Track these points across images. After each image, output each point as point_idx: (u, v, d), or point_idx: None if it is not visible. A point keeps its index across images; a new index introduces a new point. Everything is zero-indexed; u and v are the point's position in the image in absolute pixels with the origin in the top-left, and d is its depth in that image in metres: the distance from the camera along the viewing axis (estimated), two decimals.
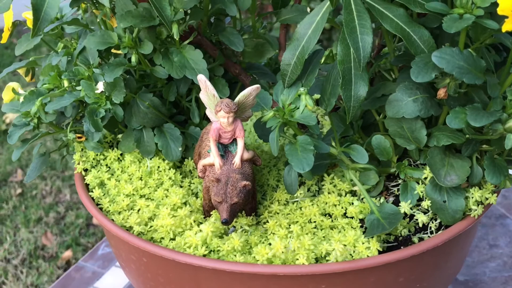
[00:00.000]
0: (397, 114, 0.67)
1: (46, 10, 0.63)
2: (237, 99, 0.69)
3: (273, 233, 0.69)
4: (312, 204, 0.74)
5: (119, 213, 0.76)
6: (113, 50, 0.81)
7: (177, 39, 0.75)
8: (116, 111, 0.77)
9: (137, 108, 0.80)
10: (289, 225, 0.71)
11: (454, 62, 0.60)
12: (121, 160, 0.86)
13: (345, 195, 0.74)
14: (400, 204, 0.70)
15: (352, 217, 0.72)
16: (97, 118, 0.76)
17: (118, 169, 0.84)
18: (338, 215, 0.72)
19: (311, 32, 0.66)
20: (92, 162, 0.86)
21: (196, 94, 0.87)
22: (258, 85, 0.68)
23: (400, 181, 0.76)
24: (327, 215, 0.73)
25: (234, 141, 0.72)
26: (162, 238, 0.71)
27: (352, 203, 0.73)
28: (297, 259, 0.63)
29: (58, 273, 1.74)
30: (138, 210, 0.76)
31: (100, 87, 0.76)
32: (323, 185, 0.77)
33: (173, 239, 0.71)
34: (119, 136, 0.87)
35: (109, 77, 0.74)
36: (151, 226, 0.72)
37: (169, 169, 0.83)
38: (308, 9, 0.93)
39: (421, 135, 0.68)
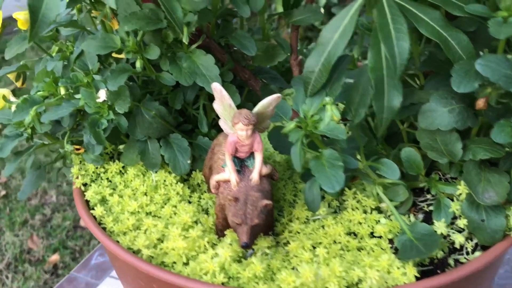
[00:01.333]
0: (431, 126, 0.61)
1: (44, 12, 0.56)
2: (256, 109, 0.63)
3: (296, 256, 0.63)
4: (335, 223, 0.68)
5: (124, 233, 0.70)
6: (114, 55, 0.75)
7: (186, 43, 0.69)
8: (119, 122, 0.71)
9: (142, 118, 0.74)
10: (314, 247, 0.65)
11: (500, 71, 0.54)
12: (123, 174, 0.79)
13: (371, 212, 0.69)
14: (434, 223, 0.64)
15: (380, 237, 0.66)
16: (99, 129, 0.69)
17: (120, 183, 0.78)
18: (365, 235, 0.66)
19: (338, 37, 0.60)
20: (92, 176, 0.79)
21: (204, 101, 0.81)
22: (279, 95, 0.62)
23: (428, 196, 0.70)
24: (352, 234, 0.68)
25: (251, 154, 0.65)
26: (174, 262, 0.64)
27: (379, 221, 0.68)
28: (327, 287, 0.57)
29: (45, 278, 1.66)
30: (145, 231, 0.69)
31: (102, 95, 0.69)
32: (344, 200, 0.71)
33: (187, 263, 0.64)
34: (121, 147, 0.81)
35: (113, 85, 0.67)
36: (161, 249, 0.66)
37: (176, 183, 0.76)
38: (322, 10, 0.87)
39: (456, 148, 0.62)
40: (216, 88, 0.62)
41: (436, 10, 0.59)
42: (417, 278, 0.58)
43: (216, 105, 0.65)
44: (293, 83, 0.77)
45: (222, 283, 0.60)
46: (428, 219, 0.68)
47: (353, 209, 0.69)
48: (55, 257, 1.77)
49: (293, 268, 0.62)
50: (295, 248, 0.64)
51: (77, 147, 0.78)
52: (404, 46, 0.55)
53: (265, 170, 0.65)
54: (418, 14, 0.58)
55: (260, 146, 0.64)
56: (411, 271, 0.58)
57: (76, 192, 0.76)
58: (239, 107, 0.64)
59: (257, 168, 0.64)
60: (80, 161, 0.80)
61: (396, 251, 0.63)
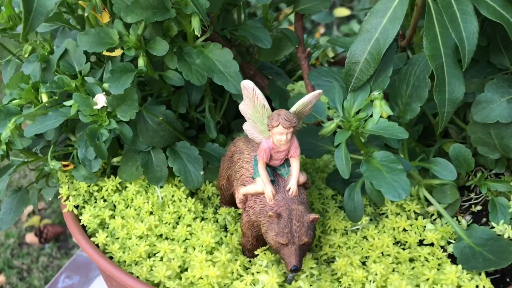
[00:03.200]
0: (488, 119, 0.55)
1: (40, 0, 0.45)
2: (293, 109, 0.54)
3: (346, 275, 0.55)
4: (378, 232, 0.61)
5: (137, 263, 0.59)
6: (105, 53, 0.63)
7: (198, 35, 0.59)
8: (122, 131, 0.60)
9: (145, 125, 0.63)
10: (363, 263, 0.57)
11: None
12: (121, 191, 0.68)
13: (416, 218, 0.62)
14: (490, 225, 0.58)
15: (431, 244, 0.59)
16: (99, 141, 0.58)
17: (119, 202, 0.66)
18: (413, 243, 0.59)
19: (386, 21, 0.52)
20: (84, 196, 0.67)
21: (210, 102, 0.71)
22: (320, 91, 0.54)
23: (472, 195, 0.64)
24: (398, 244, 0.60)
25: (285, 162, 0.57)
26: None
27: (424, 227, 0.61)
28: None
29: None
30: (162, 258, 0.59)
31: (101, 101, 0.58)
32: (379, 207, 0.64)
33: None
34: (115, 160, 0.69)
35: (117, 87, 0.56)
36: (186, 278, 0.56)
37: (186, 198, 0.66)
38: None
39: None
40: (249, 86, 0.53)
41: None
42: None
43: (245, 106, 0.55)
44: (311, 78, 0.69)
45: None
46: (476, 220, 0.61)
47: (395, 215, 0.62)
48: (0, 279, 1.60)
49: None
50: (343, 265, 0.56)
51: (65, 163, 0.66)
52: (472, 29, 0.48)
53: (302, 178, 0.57)
54: None
55: (298, 151, 0.55)
56: (486, 283, 0.51)
57: (69, 217, 0.65)
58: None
59: (295, 176, 0.55)
60: (68, 180, 0.68)
61: (452, 260, 0.57)
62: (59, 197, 0.67)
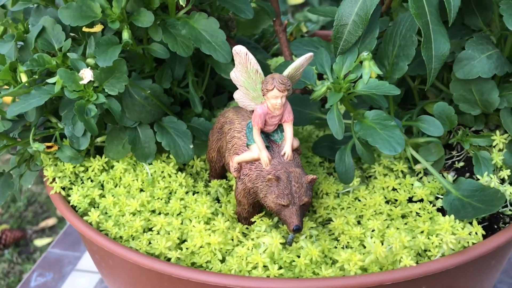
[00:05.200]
0: (470, 75, 0.57)
1: None
2: (286, 72, 0.55)
3: (344, 233, 0.57)
4: (369, 192, 0.62)
5: (134, 238, 0.58)
6: (84, 29, 0.62)
7: (183, 5, 0.59)
8: (111, 106, 0.59)
9: (131, 100, 0.62)
10: (358, 222, 0.59)
11: None
12: (108, 170, 0.67)
13: (404, 177, 0.64)
14: (476, 178, 0.61)
15: (420, 201, 0.62)
16: (88, 117, 0.57)
17: (108, 182, 0.65)
18: (403, 201, 0.61)
19: None
20: (70, 178, 0.66)
21: (192, 77, 0.70)
22: (311, 53, 0.54)
23: (453, 153, 0.67)
24: (389, 202, 0.62)
25: (278, 127, 0.57)
26: (209, 261, 0.55)
27: (412, 185, 0.63)
28: (399, 260, 0.51)
29: None
30: (159, 231, 0.59)
31: (87, 75, 0.57)
32: (366, 168, 0.66)
33: (222, 260, 0.55)
34: (99, 139, 0.68)
35: (105, 60, 0.55)
36: (186, 248, 0.56)
37: (176, 173, 0.66)
38: None
39: (493, 97, 0.59)
40: (241, 51, 0.53)
41: None
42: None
43: (237, 73, 0.55)
44: (293, 48, 0.70)
45: (281, 275, 0.51)
46: (460, 176, 0.64)
47: (383, 176, 0.64)
48: None
49: (345, 247, 0.56)
50: (340, 224, 0.57)
51: (49, 144, 0.64)
52: None
53: (296, 143, 0.57)
54: None
55: (291, 116, 0.56)
56: (478, 229, 0.54)
57: (57, 198, 0.63)
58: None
59: (289, 141, 0.56)
60: (52, 162, 0.66)
61: (442, 213, 0.59)
62: (44, 179, 0.65)
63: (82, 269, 1.09)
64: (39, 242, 1.47)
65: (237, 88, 0.57)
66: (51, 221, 1.54)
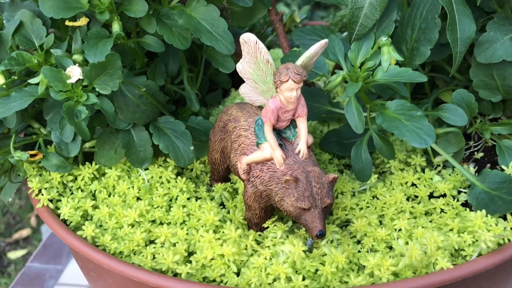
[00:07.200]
0: (493, 58, 0.53)
1: None
2: (300, 62, 0.50)
3: (367, 236, 0.52)
4: (387, 190, 0.58)
5: (135, 253, 0.52)
6: (67, 23, 0.56)
7: None
8: (103, 107, 0.52)
9: (124, 100, 0.56)
10: (380, 222, 0.54)
11: None
12: (99, 178, 0.61)
13: (422, 171, 0.60)
14: (500, 168, 0.57)
15: (443, 195, 0.57)
16: (79, 120, 0.50)
17: (100, 191, 0.59)
18: (424, 197, 0.57)
19: None
20: (58, 188, 0.59)
21: (187, 72, 0.65)
22: (326, 40, 0.49)
23: (471, 143, 0.63)
24: (409, 199, 0.58)
25: (290, 123, 0.52)
26: (223, 275, 0.49)
27: (431, 179, 0.59)
28: (434, 263, 0.47)
29: None
30: (163, 243, 0.53)
31: (76, 73, 0.51)
32: (379, 163, 0.62)
33: (237, 273, 0.50)
34: (87, 145, 0.62)
35: (96, 55, 0.49)
36: (196, 261, 0.50)
37: (176, 178, 0.60)
38: None
39: None
40: (250, 39, 0.48)
41: None
42: None
43: (245, 64, 0.50)
44: (295, 38, 0.65)
45: (306, 286, 0.46)
46: (480, 167, 0.60)
47: (400, 171, 0.60)
48: None
49: (369, 250, 0.51)
50: (362, 226, 0.53)
51: (32, 152, 0.57)
52: None
53: (310, 139, 0.53)
54: None
55: (305, 110, 0.51)
56: None
57: (44, 212, 0.56)
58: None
59: (304, 137, 0.51)
60: (37, 172, 0.59)
61: (468, 207, 0.55)
62: (29, 191, 0.58)
63: (65, 283, 1.03)
64: (13, 255, 1.38)
65: (239, 84, 0.51)
66: (25, 232, 1.45)
